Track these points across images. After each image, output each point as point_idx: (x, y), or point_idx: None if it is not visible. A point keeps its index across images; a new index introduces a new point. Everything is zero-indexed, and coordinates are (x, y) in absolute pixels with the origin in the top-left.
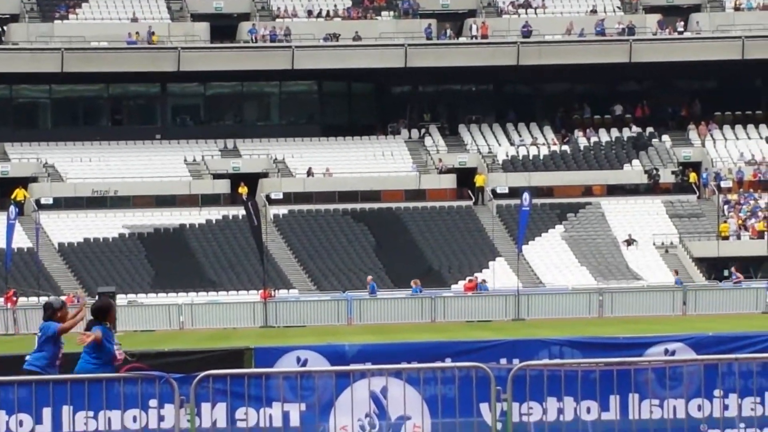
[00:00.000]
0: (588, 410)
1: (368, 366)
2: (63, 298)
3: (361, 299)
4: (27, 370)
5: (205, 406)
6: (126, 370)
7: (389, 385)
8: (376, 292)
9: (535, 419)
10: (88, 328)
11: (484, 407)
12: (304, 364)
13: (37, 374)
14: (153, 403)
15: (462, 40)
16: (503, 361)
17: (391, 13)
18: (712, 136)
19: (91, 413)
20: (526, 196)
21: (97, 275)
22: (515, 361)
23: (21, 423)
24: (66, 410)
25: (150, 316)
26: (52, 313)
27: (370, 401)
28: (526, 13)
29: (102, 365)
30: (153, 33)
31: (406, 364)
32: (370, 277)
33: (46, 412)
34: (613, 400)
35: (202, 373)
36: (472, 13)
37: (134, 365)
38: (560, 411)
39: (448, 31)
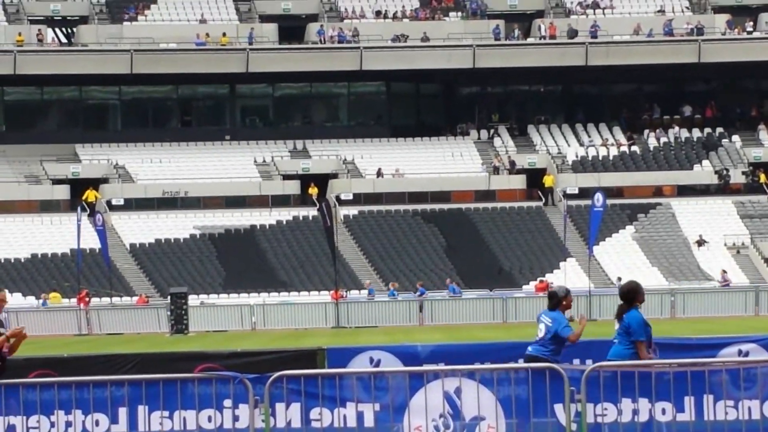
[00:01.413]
0: (663, 411)
1: (442, 366)
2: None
3: (433, 300)
4: (531, 356)
5: (280, 406)
6: (200, 371)
7: (463, 385)
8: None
9: (609, 420)
10: (620, 314)
11: (558, 408)
12: (377, 364)
13: (542, 360)
14: (227, 403)
15: (530, 40)
16: (576, 361)
17: (459, 13)
18: None
19: (166, 413)
20: (598, 196)
21: (168, 276)
22: (588, 361)
23: (97, 423)
24: (141, 410)
25: (222, 316)
26: (557, 302)
27: (444, 402)
28: (594, 14)
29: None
30: (224, 34)
31: (479, 365)
32: (368, 282)
33: (122, 412)
34: (688, 401)
35: (277, 374)
36: (540, 14)
37: (208, 365)
38: (635, 412)
39: (516, 32)
